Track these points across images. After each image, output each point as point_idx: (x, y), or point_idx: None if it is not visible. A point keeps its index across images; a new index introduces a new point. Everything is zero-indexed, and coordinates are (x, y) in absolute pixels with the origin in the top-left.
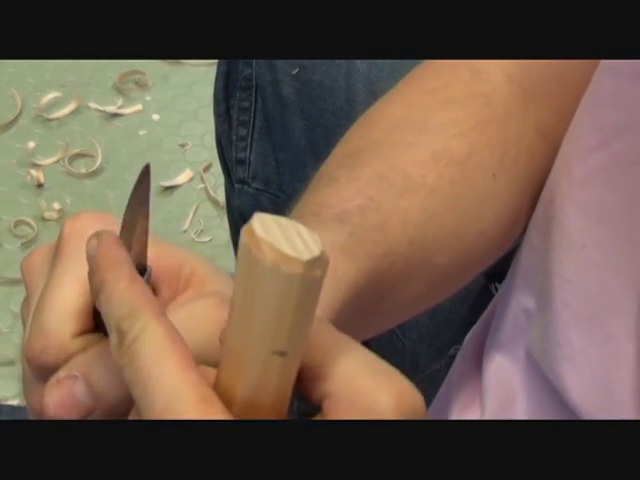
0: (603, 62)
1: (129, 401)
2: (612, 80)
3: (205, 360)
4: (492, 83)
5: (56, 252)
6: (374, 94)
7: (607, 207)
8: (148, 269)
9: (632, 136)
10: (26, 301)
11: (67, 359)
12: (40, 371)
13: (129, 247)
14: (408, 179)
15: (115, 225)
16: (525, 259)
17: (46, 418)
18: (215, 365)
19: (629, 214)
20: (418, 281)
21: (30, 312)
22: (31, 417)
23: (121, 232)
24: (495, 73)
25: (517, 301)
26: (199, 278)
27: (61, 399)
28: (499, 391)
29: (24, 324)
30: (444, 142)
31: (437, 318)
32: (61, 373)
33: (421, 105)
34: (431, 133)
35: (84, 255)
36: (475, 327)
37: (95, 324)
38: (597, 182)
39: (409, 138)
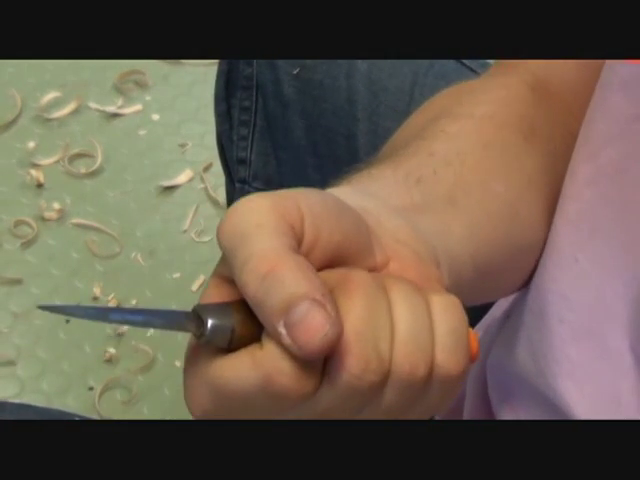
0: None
1: None
2: (601, 92)
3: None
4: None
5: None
6: (375, 94)
7: (598, 219)
8: None
9: (619, 146)
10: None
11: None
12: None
13: None
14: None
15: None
16: None
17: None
18: None
19: (621, 224)
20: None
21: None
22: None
23: None
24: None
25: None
26: None
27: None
28: (503, 404)
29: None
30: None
31: None
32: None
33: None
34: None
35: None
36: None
37: None
38: (586, 195)
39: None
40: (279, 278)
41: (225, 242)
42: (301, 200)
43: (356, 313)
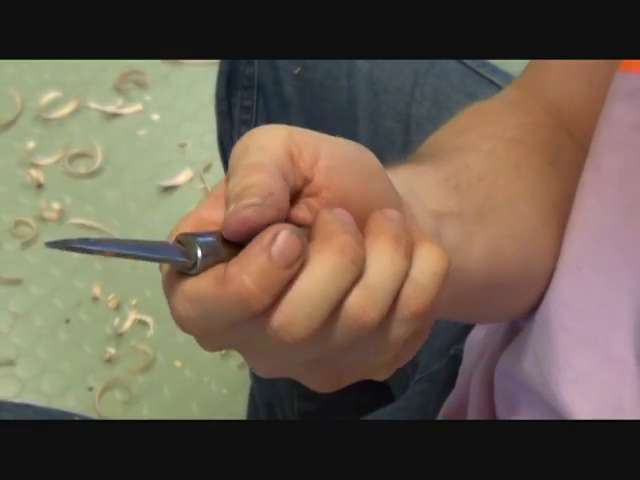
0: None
1: None
2: (607, 103)
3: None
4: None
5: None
6: (376, 94)
7: (602, 227)
8: None
9: (623, 154)
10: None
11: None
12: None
13: None
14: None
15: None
16: None
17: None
18: None
19: (625, 232)
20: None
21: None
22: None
23: None
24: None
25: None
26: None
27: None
28: (508, 411)
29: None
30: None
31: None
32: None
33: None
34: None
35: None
36: (484, 346)
37: None
38: (590, 203)
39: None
40: (250, 177)
41: (231, 156)
42: (323, 146)
43: (313, 273)
